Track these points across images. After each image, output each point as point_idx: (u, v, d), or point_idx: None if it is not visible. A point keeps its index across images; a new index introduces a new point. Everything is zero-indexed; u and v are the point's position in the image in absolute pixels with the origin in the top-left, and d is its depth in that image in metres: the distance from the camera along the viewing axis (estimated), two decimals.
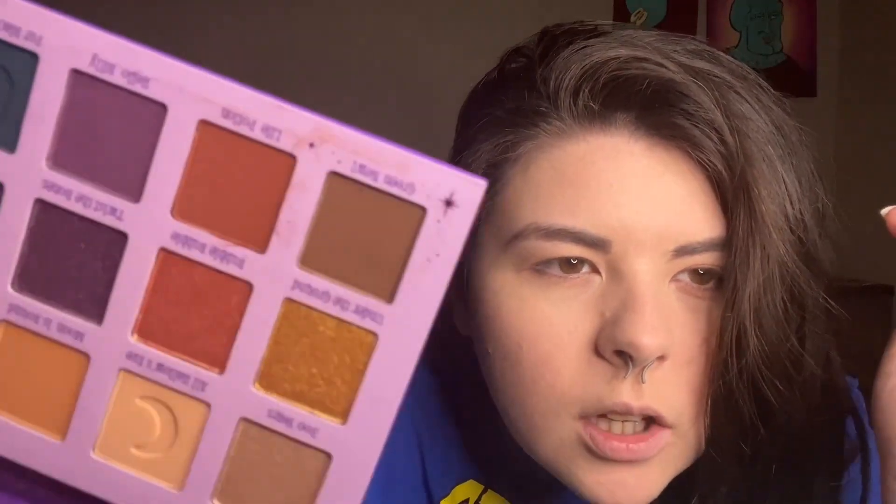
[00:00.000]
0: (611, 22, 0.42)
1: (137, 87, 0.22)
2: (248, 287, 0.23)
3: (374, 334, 0.23)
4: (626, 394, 0.36)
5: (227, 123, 0.22)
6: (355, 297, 0.23)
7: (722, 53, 0.39)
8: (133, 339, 0.24)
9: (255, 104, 0.22)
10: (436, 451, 0.49)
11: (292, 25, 2.03)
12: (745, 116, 0.37)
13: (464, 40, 2.07)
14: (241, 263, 0.23)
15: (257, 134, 0.22)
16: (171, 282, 0.23)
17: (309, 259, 0.23)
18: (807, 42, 2.16)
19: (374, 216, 0.23)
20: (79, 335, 0.24)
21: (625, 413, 0.36)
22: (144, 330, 0.24)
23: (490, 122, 0.41)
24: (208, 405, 0.24)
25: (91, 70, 0.22)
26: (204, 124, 0.22)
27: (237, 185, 0.23)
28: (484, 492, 0.49)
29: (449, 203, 0.22)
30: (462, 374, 0.46)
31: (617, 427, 0.37)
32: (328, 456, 0.24)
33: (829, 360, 0.41)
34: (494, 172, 0.40)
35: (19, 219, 0.23)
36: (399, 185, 0.22)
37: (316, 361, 0.24)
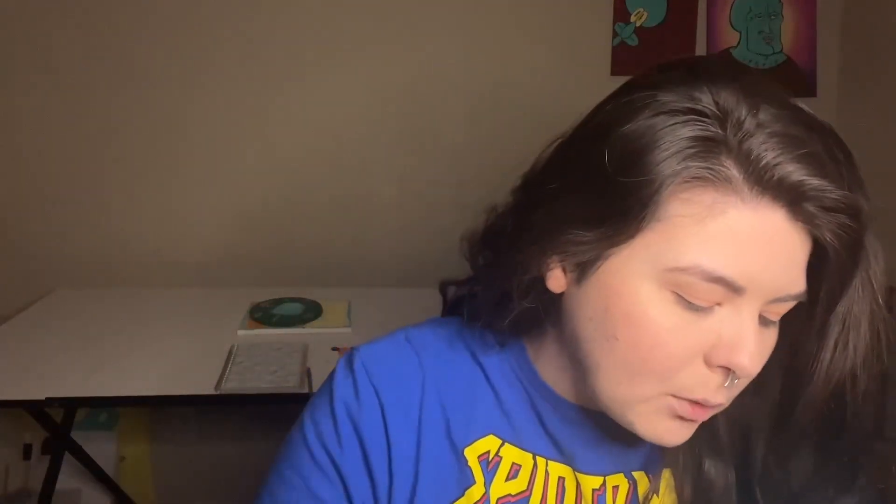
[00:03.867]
0: (787, 97, 0.50)
1: None
2: None
3: None
4: (714, 393, 0.51)
5: None
6: None
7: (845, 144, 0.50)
8: None
9: None
10: (459, 409, 0.60)
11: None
12: (861, 208, 0.48)
13: (465, 39, 2.06)
14: None
15: None
16: None
17: None
18: (807, 42, 2.16)
19: None
20: None
21: (704, 402, 0.51)
22: None
23: (677, 159, 0.47)
24: None
25: None
26: None
27: None
28: (502, 445, 0.60)
29: None
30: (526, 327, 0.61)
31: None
32: None
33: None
34: (658, 204, 0.48)
35: None
36: None
37: None
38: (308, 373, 1.47)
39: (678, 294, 0.49)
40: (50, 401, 1.36)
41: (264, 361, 1.51)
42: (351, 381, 0.61)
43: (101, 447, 2.03)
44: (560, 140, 0.58)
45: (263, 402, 1.42)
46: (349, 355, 0.63)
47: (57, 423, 1.81)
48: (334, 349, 1.60)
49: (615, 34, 2.10)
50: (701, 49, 2.13)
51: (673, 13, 2.11)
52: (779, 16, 2.14)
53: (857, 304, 0.50)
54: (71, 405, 1.71)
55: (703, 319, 0.49)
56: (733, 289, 0.48)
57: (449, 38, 2.06)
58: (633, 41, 2.11)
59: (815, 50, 2.15)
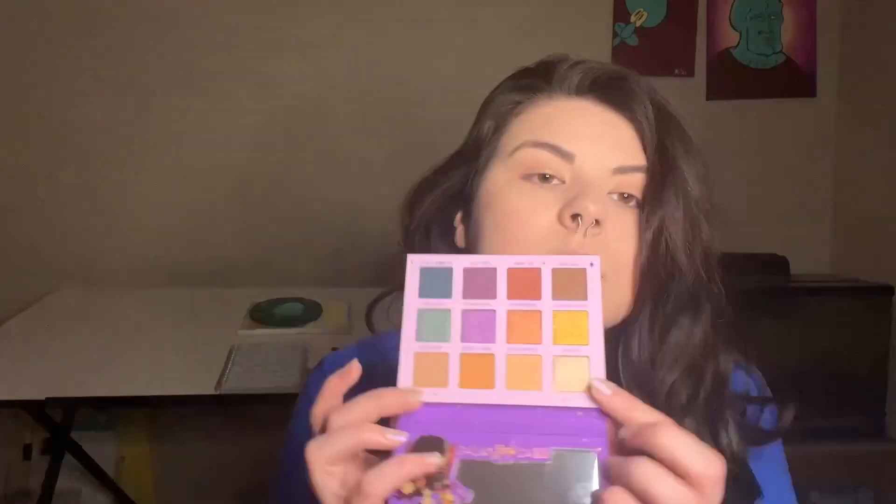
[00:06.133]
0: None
1: None
2: None
3: None
4: (578, 246, 0.57)
5: None
6: None
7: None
8: None
9: None
10: None
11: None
12: (661, 104, 0.63)
13: (468, 40, 2.06)
14: None
15: None
16: None
17: None
18: (807, 42, 2.16)
19: None
20: None
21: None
22: None
23: (504, 91, 0.67)
24: None
25: None
26: None
27: None
28: None
29: None
30: None
31: None
32: None
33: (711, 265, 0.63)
34: (502, 121, 0.66)
35: None
36: None
37: None
38: (308, 373, 1.47)
39: (526, 174, 0.61)
40: (50, 401, 1.36)
41: (264, 361, 1.52)
42: (321, 376, 0.69)
43: (101, 447, 2.03)
44: None
45: (263, 402, 1.42)
46: (321, 361, 0.73)
47: (57, 423, 1.81)
48: (334, 349, 1.59)
49: (615, 34, 2.10)
50: (701, 49, 2.13)
51: (673, 13, 2.11)
52: (779, 16, 2.15)
53: (676, 172, 0.60)
54: (71, 405, 1.71)
55: (552, 192, 0.60)
56: (562, 153, 0.60)
57: (447, 37, 2.06)
58: (633, 41, 2.11)
59: (815, 50, 2.15)
